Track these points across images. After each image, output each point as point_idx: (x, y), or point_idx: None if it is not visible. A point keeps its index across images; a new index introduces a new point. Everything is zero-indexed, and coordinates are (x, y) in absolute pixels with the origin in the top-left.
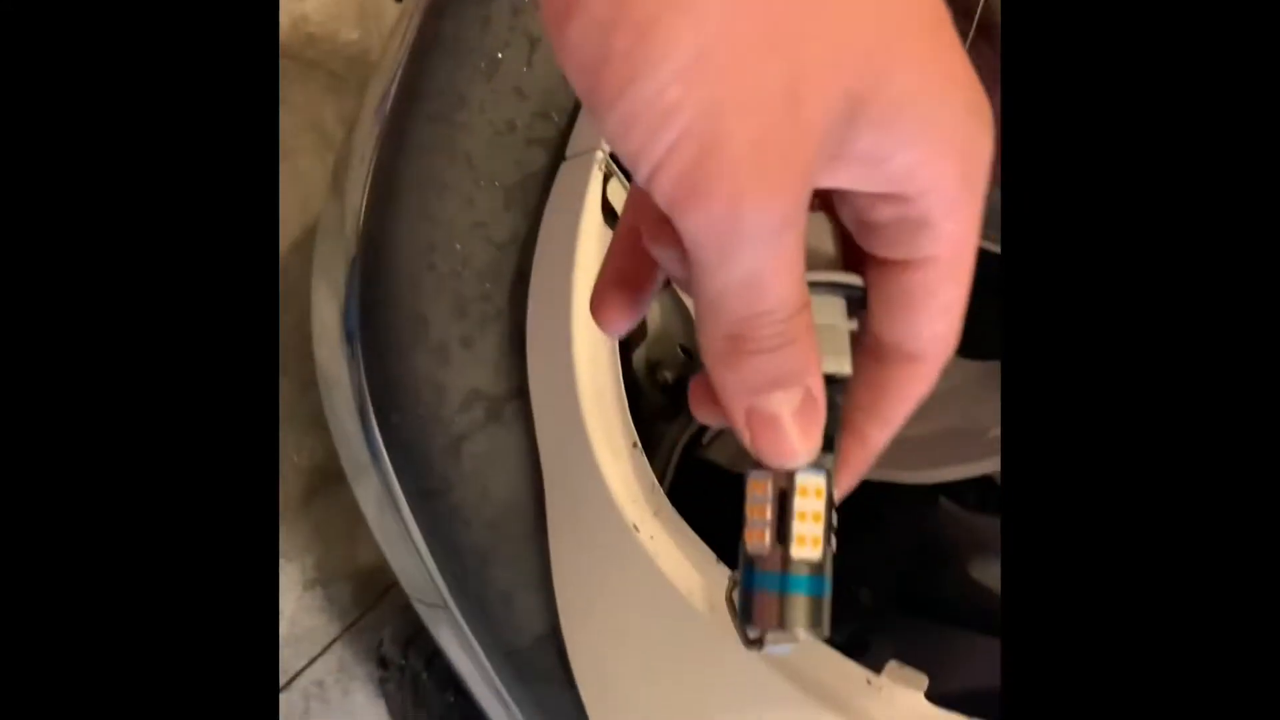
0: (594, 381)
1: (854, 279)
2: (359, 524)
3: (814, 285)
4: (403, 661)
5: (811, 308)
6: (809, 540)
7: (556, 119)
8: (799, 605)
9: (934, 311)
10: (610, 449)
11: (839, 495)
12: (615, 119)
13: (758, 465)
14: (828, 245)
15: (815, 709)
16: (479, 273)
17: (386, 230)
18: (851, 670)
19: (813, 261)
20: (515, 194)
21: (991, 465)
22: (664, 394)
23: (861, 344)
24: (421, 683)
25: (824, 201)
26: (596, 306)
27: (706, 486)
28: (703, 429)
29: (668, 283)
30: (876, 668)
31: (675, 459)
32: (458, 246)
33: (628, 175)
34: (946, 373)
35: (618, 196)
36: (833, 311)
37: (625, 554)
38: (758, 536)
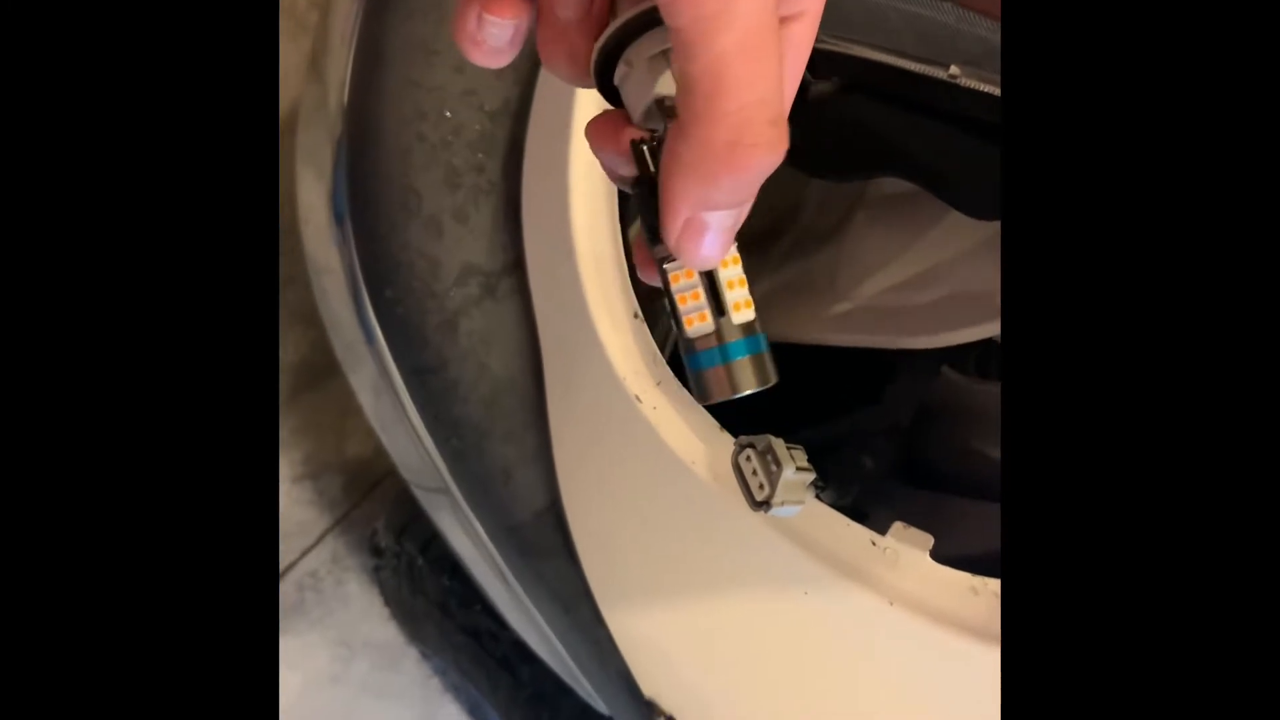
0: (593, 251)
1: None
2: (347, 417)
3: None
4: (398, 549)
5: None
6: (743, 303)
7: None
8: (746, 367)
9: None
10: (611, 319)
11: None
12: None
13: (666, 260)
14: None
15: (820, 571)
16: (470, 143)
17: (373, 101)
18: (856, 532)
19: None
20: None
21: (998, 328)
22: None
23: None
24: (417, 568)
25: None
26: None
27: None
28: None
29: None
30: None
31: (673, 334)
32: (448, 114)
33: None
34: (955, 236)
35: None
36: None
37: (628, 425)
38: (700, 318)
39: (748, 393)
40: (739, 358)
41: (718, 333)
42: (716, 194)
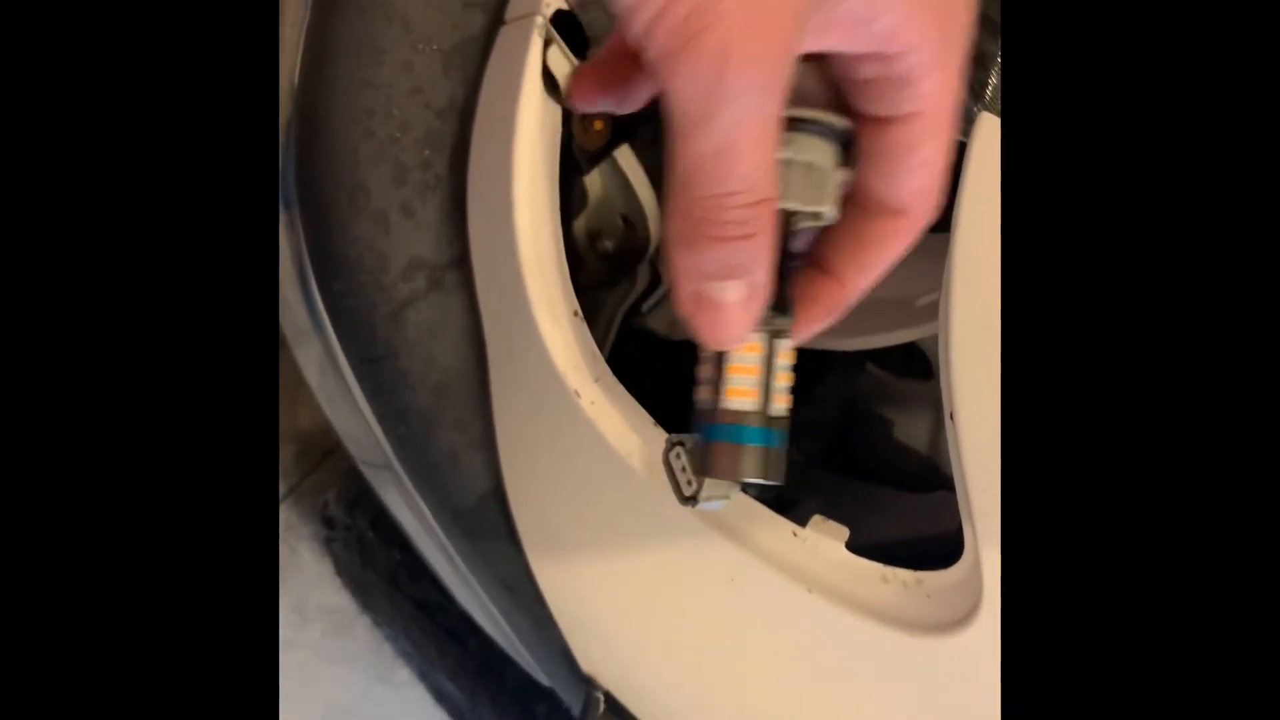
0: (535, 250)
1: (846, 122)
2: (299, 387)
3: (807, 123)
4: (349, 521)
5: (801, 145)
6: (742, 392)
7: None
8: (757, 455)
9: (914, 166)
10: (552, 318)
11: (811, 331)
12: None
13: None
14: (822, 95)
15: (745, 558)
16: (418, 140)
17: (321, 96)
18: (778, 523)
19: (807, 105)
20: (454, 58)
21: (919, 333)
22: (604, 262)
23: (850, 195)
24: (368, 541)
25: (815, 59)
26: (572, 81)
27: (644, 353)
28: (642, 297)
29: (608, 155)
30: (802, 521)
31: (615, 327)
32: (395, 112)
33: (568, 42)
34: None
35: (558, 64)
36: (821, 153)
37: (567, 419)
38: (744, 394)
39: (750, 481)
40: (755, 444)
41: (752, 413)
42: (703, 263)
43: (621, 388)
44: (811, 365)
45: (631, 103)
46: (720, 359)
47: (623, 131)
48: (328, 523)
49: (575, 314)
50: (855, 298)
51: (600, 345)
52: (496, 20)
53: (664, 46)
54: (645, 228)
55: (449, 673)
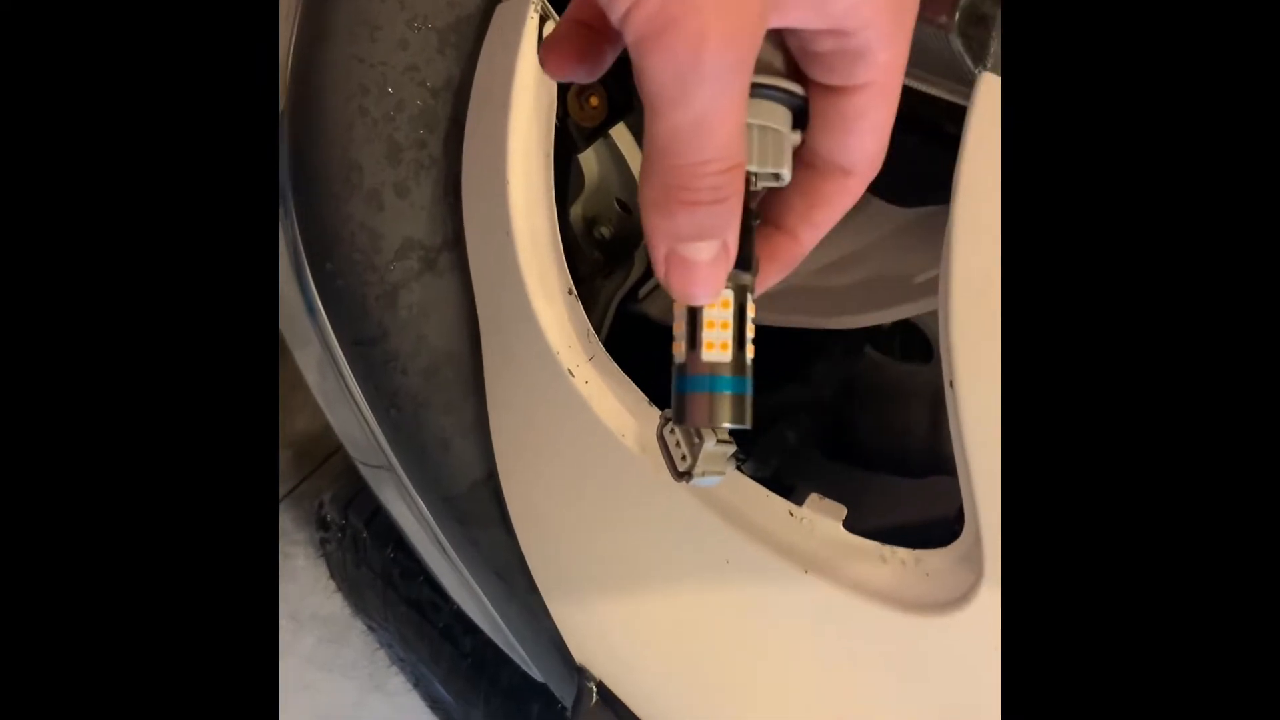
0: (529, 226)
1: (799, 89)
2: (295, 393)
3: (766, 89)
4: (343, 522)
5: (760, 110)
6: (717, 345)
7: None
8: (723, 402)
9: (865, 130)
10: (545, 295)
11: (768, 285)
12: None
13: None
14: (778, 63)
15: (741, 540)
16: (412, 119)
17: (316, 73)
18: (775, 503)
19: (765, 72)
20: (449, 37)
21: (914, 309)
22: (600, 250)
23: (800, 156)
24: (362, 540)
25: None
26: (544, 50)
27: (640, 339)
28: (638, 284)
29: (604, 132)
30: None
31: (611, 312)
32: (390, 91)
33: None
34: (874, 222)
35: None
36: (779, 118)
37: (561, 398)
38: (677, 347)
39: (727, 425)
40: (730, 391)
41: (726, 364)
42: (679, 226)
43: (616, 366)
44: (809, 345)
45: (598, 70)
46: (694, 315)
47: (619, 108)
48: (322, 524)
49: (570, 292)
50: (807, 251)
51: (597, 331)
52: None
53: (642, 31)
54: None
55: (442, 674)
